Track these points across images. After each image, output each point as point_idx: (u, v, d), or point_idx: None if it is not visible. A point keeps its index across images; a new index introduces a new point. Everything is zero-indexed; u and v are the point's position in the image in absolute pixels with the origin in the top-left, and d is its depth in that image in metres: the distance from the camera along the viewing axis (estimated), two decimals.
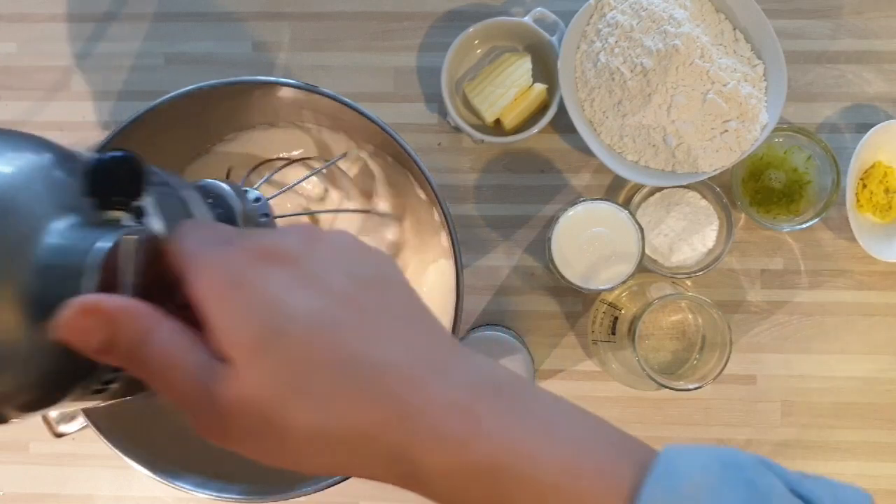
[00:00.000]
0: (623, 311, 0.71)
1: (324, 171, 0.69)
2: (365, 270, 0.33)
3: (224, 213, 0.47)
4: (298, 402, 0.30)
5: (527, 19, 0.78)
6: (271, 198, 0.54)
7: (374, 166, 0.73)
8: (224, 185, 0.50)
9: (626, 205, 0.75)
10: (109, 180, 0.33)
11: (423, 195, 0.73)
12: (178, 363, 0.31)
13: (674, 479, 0.30)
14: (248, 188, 0.53)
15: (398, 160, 0.73)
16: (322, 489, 0.64)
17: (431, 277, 0.73)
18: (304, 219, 0.71)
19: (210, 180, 0.51)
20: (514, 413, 0.31)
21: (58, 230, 0.31)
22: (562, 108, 0.76)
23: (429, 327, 0.33)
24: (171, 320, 0.31)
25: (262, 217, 0.52)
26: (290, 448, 0.30)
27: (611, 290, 0.71)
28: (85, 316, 0.30)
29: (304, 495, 0.65)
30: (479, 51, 0.81)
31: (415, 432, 0.30)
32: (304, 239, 0.33)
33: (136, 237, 0.33)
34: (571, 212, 0.70)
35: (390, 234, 0.68)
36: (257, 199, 0.53)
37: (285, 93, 0.68)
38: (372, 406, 0.30)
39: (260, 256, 0.32)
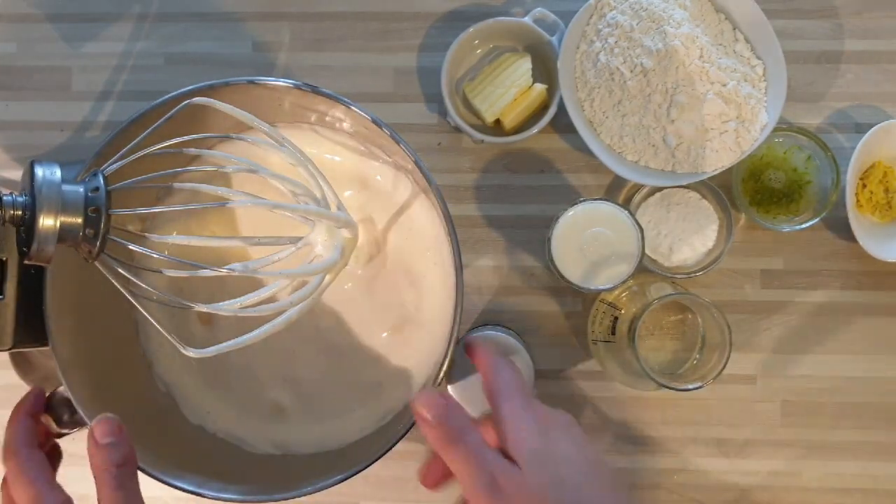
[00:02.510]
0: (623, 311, 0.71)
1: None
2: (589, 451, 0.52)
3: (31, 200, 0.50)
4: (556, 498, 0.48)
5: (527, 19, 0.78)
6: (118, 187, 0.53)
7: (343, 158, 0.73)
8: (38, 171, 0.50)
9: (626, 205, 0.75)
10: None
11: (422, 195, 0.73)
12: (479, 455, 0.50)
13: None
14: (96, 175, 0.52)
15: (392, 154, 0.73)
16: (322, 489, 0.64)
17: (430, 276, 0.73)
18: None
19: (41, 163, 0.51)
20: None
21: None
22: (562, 108, 0.76)
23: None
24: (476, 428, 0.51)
25: (90, 211, 0.51)
26: None
27: (611, 290, 0.71)
28: (433, 399, 0.51)
29: (305, 495, 0.65)
30: (479, 51, 0.81)
31: None
32: (566, 418, 0.54)
33: None
34: (571, 212, 0.70)
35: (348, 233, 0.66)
36: (96, 189, 0.51)
37: (285, 93, 0.68)
38: None
39: (541, 418, 0.52)
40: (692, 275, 0.76)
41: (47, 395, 0.69)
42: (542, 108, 0.78)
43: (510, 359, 0.71)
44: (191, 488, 0.65)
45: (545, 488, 0.48)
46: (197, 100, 0.57)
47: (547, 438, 0.50)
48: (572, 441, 0.51)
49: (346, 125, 0.73)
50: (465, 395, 0.71)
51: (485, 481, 0.49)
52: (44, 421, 0.68)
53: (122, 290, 0.55)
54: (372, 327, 0.74)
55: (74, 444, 0.79)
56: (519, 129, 0.78)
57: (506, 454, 0.50)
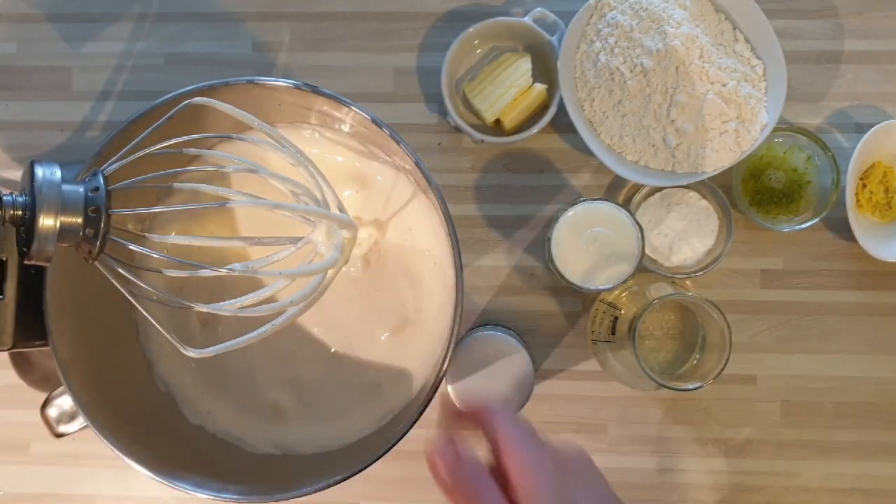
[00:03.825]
0: (623, 311, 0.71)
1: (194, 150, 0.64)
2: (600, 487, 0.50)
3: (31, 200, 0.50)
4: None
5: (527, 19, 0.78)
6: (118, 187, 0.53)
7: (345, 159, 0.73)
8: (38, 171, 0.50)
9: (626, 205, 0.75)
10: None
11: (422, 195, 0.73)
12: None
13: None
14: (95, 175, 0.52)
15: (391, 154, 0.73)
16: (322, 489, 0.64)
17: (430, 276, 0.73)
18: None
19: (41, 163, 0.51)
20: None
21: None
22: (562, 108, 0.76)
23: None
24: (494, 483, 0.48)
25: (90, 211, 0.51)
26: None
27: (611, 290, 0.71)
28: (448, 453, 0.49)
29: (305, 495, 0.65)
30: (479, 51, 0.81)
31: None
32: (578, 456, 0.51)
33: None
34: (571, 212, 0.70)
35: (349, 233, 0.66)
36: (96, 189, 0.52)
37: (285, 93, 0.68)
38: None
39: (556, 462, 0.49)
40: (692, 275, 0.76)
41: (47, 395, 0.69)
42: (542, 108, 0.78)
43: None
44: (191, 488, 0.65)
45: None
46: (197, 100, 0.58)
47: (562, 488, 0.48)
48: (589, 487, 0.49)
49: (345, 125, 0.73)
50: (465, 395, 0.71)
51: None
52: (44, 421, 0.68)
53: (122, 290, 0.55)
54: (372, 328, 0.74)
55: (75, 444, 0.79)
56: (519, 129, 0.78)
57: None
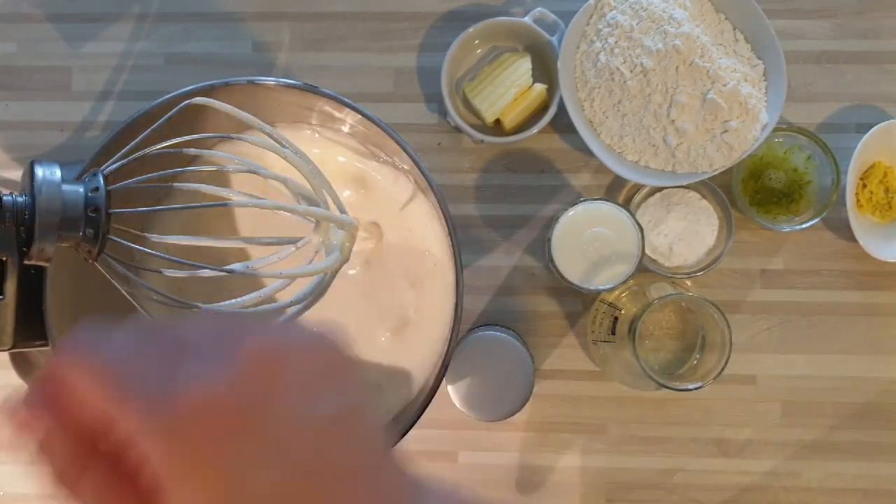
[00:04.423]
0: (623, 311, 0.71)
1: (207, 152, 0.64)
2: (326, 408, 0.30)
3: (31, 200, 0.50)
4: None
5: (527, 19, 0.78)
6: (118, 187, 0.53)
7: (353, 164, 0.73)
8: (38, 171, 0.50)
9: (626, 205, 0.75)
10: None
11: (422, 195, 0.73)
12: None
13: None
14: (95, 175, 0.52)
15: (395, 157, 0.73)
16: None
17: (430, 276, 0.73)
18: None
19: (41, 163, 0.51)
20: None
21: None
22: (562, 108, 0.76)
23: (386, 482, 0.31)
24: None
25: (90, 211, 0.51)
26: None
27: (611, 290, 0.71)
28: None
29: None
30: (479, 51, 0.81)
31: None
32: (252, 379, 0.29)
33: None
34: (571, 212, 0.70)
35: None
36: (96, 189, 0.51)
37: (285, 93, 0.68)
38: None
39: (214, 416, 0.28)
40: (692, 275, 0.76)
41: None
42: (542, 108, 0.78)
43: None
44: None
45: None
46: (197, 100, 0.57)
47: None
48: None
49: (345, 125, 0.73)
50: (466, 396, 0.71)
51: None
52: None
53: (121, 290, 0.55)
54: (372, 329, 0.74)
55: None
56: (519, 129, 0.78)
57: None
